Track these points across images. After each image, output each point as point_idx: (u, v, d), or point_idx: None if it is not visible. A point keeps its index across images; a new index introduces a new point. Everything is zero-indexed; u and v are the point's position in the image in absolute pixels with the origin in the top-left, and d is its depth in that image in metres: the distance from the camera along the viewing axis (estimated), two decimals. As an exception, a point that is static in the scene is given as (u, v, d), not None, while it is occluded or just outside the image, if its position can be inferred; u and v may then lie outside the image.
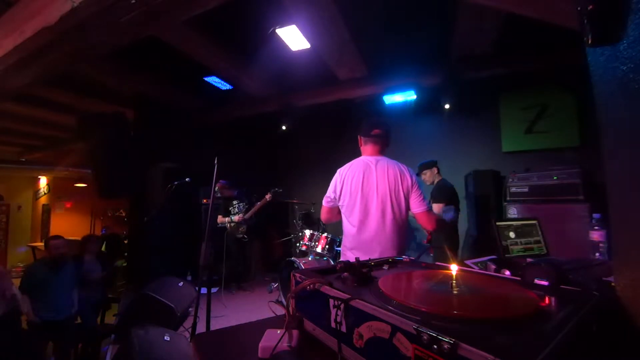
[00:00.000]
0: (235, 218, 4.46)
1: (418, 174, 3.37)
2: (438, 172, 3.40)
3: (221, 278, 4.43)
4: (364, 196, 1.73)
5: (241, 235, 4.51)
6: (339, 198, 1.81)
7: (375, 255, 1.63)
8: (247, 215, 4.53)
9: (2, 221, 8.52)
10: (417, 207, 1.72)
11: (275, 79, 4.41)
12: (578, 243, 1.75)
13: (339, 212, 1.87)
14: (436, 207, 3.02)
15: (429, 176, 3.38)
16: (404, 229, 1.77)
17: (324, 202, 1.91)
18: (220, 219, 4.45)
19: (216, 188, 4.48)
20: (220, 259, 4.33)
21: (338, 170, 1.87)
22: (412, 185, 1.73)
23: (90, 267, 3.30)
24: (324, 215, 1.94)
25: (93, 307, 3.23)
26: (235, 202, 4.61)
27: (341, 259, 1.89)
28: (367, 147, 1.87)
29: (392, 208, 1.70)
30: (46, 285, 2.74)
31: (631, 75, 0.51)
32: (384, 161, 1.78)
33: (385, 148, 1.87)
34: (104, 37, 2.31)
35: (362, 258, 1.52)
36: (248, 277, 4.87)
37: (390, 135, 1.89)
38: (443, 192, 3.18)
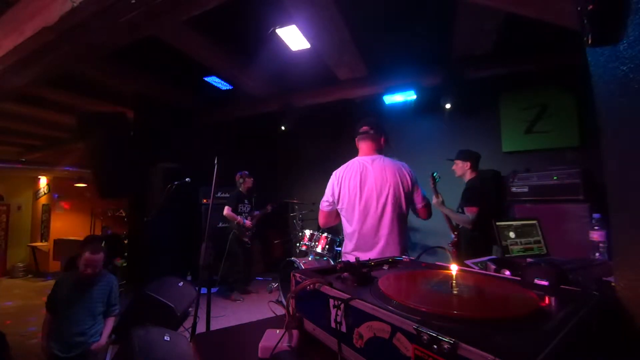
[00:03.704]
0: (247, 223, 4.40)
1: (453, 159, 3.02)
2: (472, 168, 2.88)
3: (228, 283, 4.40)
4: (363, 198, 1.70)
5: (246, 240, 4.48)
6: (338, 201, 1.78)
7: (377, 256, 1.60)
8: (252, 223, 4.51)
9: (2, 221, 8.52)
10: (419, 202, 1.74)
11: (275, 79, 4.41)
12: (578, 243, 1.75)
13: (338, 216, 1.85)
14: (469, 212, 2.67)
15: (459, 167, 2.94)
16: (405, 227, 1.74)
17: (321, 206, 1.87)
18: (229, 211, 4.28)
19: (242, 179, 4.42)
20: (222, 259, 4.31)
21: (334, 173, 1.84)
22: (412, 184, 1.71)
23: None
24: (322, 219, 1.91)
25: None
26: (246, 201, 4.55)
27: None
28: (361, 147, 1.86)
29: (393, 208, 1.67)
30: (69, 306, 2.22)
31: (631, 75, 0.51)
32: (380, 160, 1.75)
33: (378, 145, 1.84)
34: (104, 37, 2.31)
35: (363, 259, 1.51)
36: (250, 281, 4.82)
37: (381, 132, 1.85)
38: (474, 195, 2.74)
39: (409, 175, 1.72)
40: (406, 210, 1.73)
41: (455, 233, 2.93)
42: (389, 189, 1.67)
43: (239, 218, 4.35)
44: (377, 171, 1.71)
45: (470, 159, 2.91)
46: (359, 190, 1.71)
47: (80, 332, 2.21)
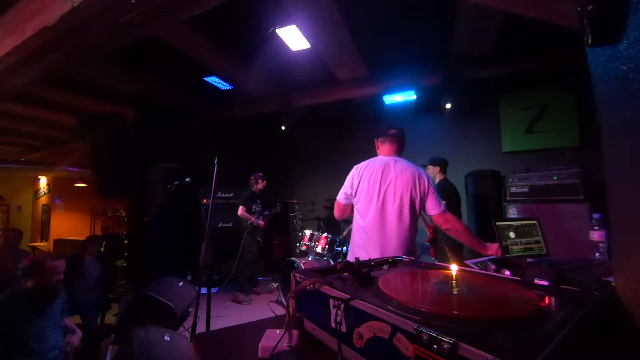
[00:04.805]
0: (261, 224, 4.42)
1: (425, 165, 3.43)
2: (440, 172, 3.43)
3: (239, 283, 4.34)
4: (381, 193, 1.75)
5: (259, 239, 4.48)
6: (355, 194, 1.82)
7: (387, 252, 1.66)
8: (264, 221, 4.52)
9: (2, 221, 8.52)
10: (434, 209, 1.75)
11: (275, 79, 4.41)
12: (578, 243, 1.75)
13: (352, 209, 1.90)
14: None
15: (430, 171, 3.42)
16: (416, 229, 1.79)
17: (339, 199, 1.91)
18: (243, 211, 4.31)
19: (255, 180, 4.45)
20: (223, 259, 4.27)
21: (355, 167, 1.89)
22: (428, 188, 1.76)
23: (90, 268, 3.31)
24: (338, 211, 1.95)
25: (93, 307, 3.23)
26: (258, 201, 4.56)
27: (349, 257, 1.90)
28: (384, 147, 1.91)
29: (410, 207, 1.73)
30: (25, 331, 1.87)
31: (631, 75, 0.51)
32: (402, 161, 1.82)
33: (400, 150, 1.92)
34: (104, 37, 2.31)
35: (374, 255, 1.54)
36: (254, 280, 4.79)
37: (404, 139, 1.94)
38: (443, 191, 3.16)
39: (426, 180, 1.78)
40: (419, 214, 1.79)
41: (430, 230, 3.16)
42: (407, 190, 1.73)
43: (252, 218, 4.35)
44: (398, 171, 1.77)
45: (439, 164, 3.45)
46: (378, 186, 1.75)
47: (53, 346, 2.02)
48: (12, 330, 1.84)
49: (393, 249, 1.69)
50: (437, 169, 3.43)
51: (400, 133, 1.92)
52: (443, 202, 2.93)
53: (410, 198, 1.73)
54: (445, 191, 3.26)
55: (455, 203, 3.29)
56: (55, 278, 2.02)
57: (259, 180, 4.55)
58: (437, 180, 3.40)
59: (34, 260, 2.09)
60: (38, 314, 1.96)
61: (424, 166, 3.45)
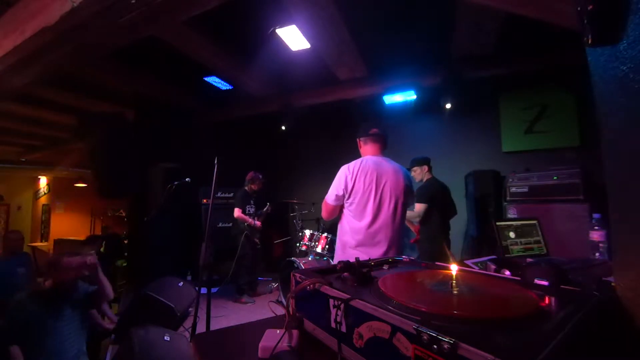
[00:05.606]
0: (258, 224, 4.34)
1: (409, 169, 3.27)
2: (428, 171, 3.30)
3: (239, 285, 4.31)
4: (378, 193, 1.75)
5: (257, 241, 4.43)
6: (349, 195, 1.79)
7: (381, 251, 1.69)
8: (259, 222, 4.46)
9: (3, 221, 8.52)
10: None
11: (275, 79, 4.41)
12: (578, 243, 1.75)
13: (340, 209, 1.89)
14: (417, 207, 2.99)
15: (418, 173, 3.29)
16: (405, 229, 1.88)
17: (328, 200, 1.86)
18: (240, 213, 4.23)
19: (253, 180, 4.38)
20: (223, 259, 4.25)
21: (346, 167, 1.83)
22: (412, 189, 1.87)
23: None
24: (326, 212, 1.92)
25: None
26: (252, 201, 4.47)
27: (342, 259, 1.90)
28: (367, 147, 1.92)
29: (402, 207, 1.78)
30: (44, 331, 1.84)
31: (631, 75, 0.51)
32: (391, 162, 1.86)
33: (384, 149, 1.93)
34: (104, 37, 2.31)
35: (370, 255, 1.58)
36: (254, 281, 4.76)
37: (387, 137, 1.96)
38: (424, 193, 3.10)
39: (411, 183, 1.88)
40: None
41: (417, 231, 3.25)
42: (400, 191, 1.77)
43: (249, 219, 4.25)
44: (391, 171, 1.79)
45: (425, 163, 3.29)
46: (374, 187, 1.75)
47: (75, 351, 1.93)
48: (29, 331, 1.81)
49: (388, 248, 1.71)
50: (426, 167, 3.28)
51: (382, 131, 1.93)
52: (422, 205, 3.08)
53: (403, 198, 1.77)
54: (430, 190, 3.16)
55: (438, 202, 3.12)
56: (72, 273, 1.98)
57: (257, 182, 4.47)
58: (425, 179, 3.26)
59: (50, 260, 2.06)
60: (55, 313, 1.91)
61: (409, 169, 3.28)
